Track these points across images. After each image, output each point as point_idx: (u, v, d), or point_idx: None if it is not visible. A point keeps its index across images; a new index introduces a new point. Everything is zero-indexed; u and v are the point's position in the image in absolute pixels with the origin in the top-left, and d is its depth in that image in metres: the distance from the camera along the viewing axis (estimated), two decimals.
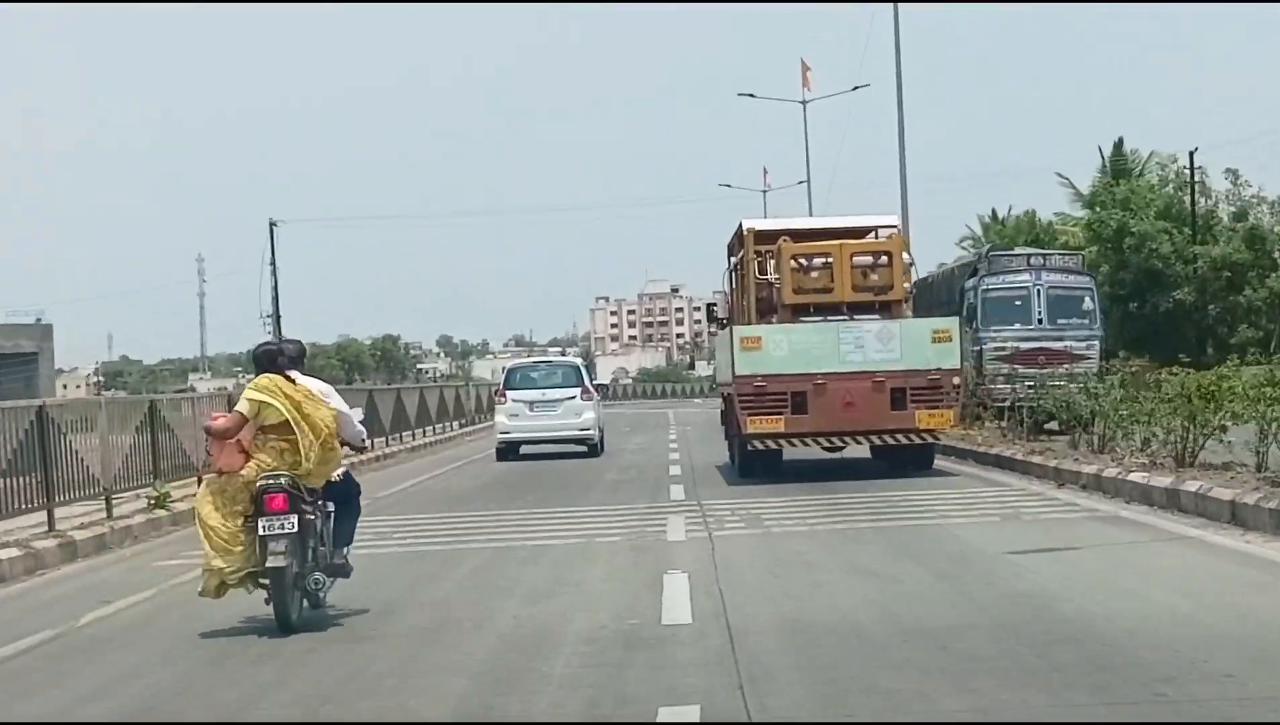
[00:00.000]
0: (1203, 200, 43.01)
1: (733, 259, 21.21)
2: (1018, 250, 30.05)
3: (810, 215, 43.48)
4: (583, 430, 25.93)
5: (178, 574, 11.04)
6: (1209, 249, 40.20)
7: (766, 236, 19.42)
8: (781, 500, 15.31)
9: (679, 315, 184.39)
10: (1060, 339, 24.48)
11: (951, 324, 19.12)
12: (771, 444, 18.16)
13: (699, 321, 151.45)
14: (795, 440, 18.14)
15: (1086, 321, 24.78)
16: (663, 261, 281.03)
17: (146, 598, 10.20)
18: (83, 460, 14.65)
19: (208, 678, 7.29)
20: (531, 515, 15.02)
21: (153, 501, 15.28)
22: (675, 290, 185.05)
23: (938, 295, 28.46)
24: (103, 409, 15.78)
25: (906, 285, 19.14)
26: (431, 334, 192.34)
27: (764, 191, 62.87)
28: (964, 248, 65.63)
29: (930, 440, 18.49)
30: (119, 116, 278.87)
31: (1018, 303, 24.72)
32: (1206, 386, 14.83)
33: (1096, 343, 24.70)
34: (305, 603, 8.59)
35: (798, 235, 19.35)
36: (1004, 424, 21.30)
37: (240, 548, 8.27)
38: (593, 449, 25.99)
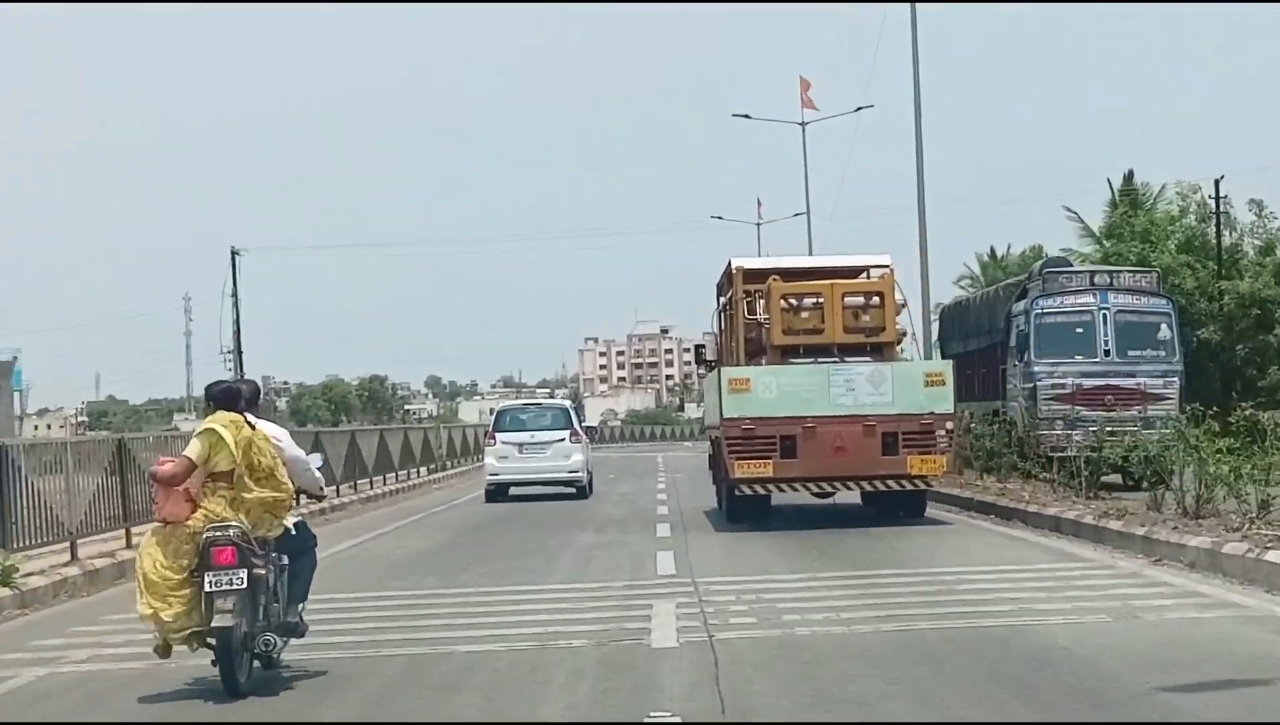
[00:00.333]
0: (1226, 233, 41.37)
1: (721, 299, 20.95)
2: (1079, 266, 25.88)
3: (810, 248, 42.50)
4: (571, 473, 26.35)
5: (132, 628, 9.68)
6: (1235, 284, 38.31)
7: (756, 275, 19.17)
8: (798, 577, 12.46)
9: (668, 356, 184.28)
10: (1132, 375, 21.04)
11: (945, 367, 18.90)
12: (760, 489, 17.81)
13: (689, 363, 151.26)
14: (784, 485, 17.79)
15: (1164, 353, 21.30)
16: (652, 302, 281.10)
17: (93, 654, 9.62)
18: (47, 503, 14.26)
19: None
20: (478, 598, 11.73)
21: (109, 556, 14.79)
22: (665, 331, 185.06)
23: (976, 322, 25.82)
24: (69, 448, 15.40)
25: (898, 327, 18.89)
26: (420, 375, 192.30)
27: (758, 224, 59.30)
28: (962, 287, 65.27)
29: (922, 486, 18.14)
30: (107, 131, 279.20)
31: (1079, 330, 21.44)
32: None
33: (1176, 380, 21.14)
34: (256, 663, 8.06)
35: (788, 274, 19.09)
36: (1055, 476, 18.23)
37: (181, 602, 7.65)
38: (581, 491, 26.39)
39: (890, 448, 17.45)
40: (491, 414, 30.66)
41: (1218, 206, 41.12)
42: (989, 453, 21.37)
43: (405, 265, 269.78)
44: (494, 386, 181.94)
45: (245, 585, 7.64)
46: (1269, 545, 11.37)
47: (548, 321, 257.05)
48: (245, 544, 7.71)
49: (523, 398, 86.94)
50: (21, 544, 13.55)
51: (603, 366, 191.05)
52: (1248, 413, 15.14)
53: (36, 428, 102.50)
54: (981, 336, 25.50)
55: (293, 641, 8.43)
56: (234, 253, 54.16)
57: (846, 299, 18.55)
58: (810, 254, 40.67)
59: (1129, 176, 46.55)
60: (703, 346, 22.63)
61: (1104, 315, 21.35)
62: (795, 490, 18.08)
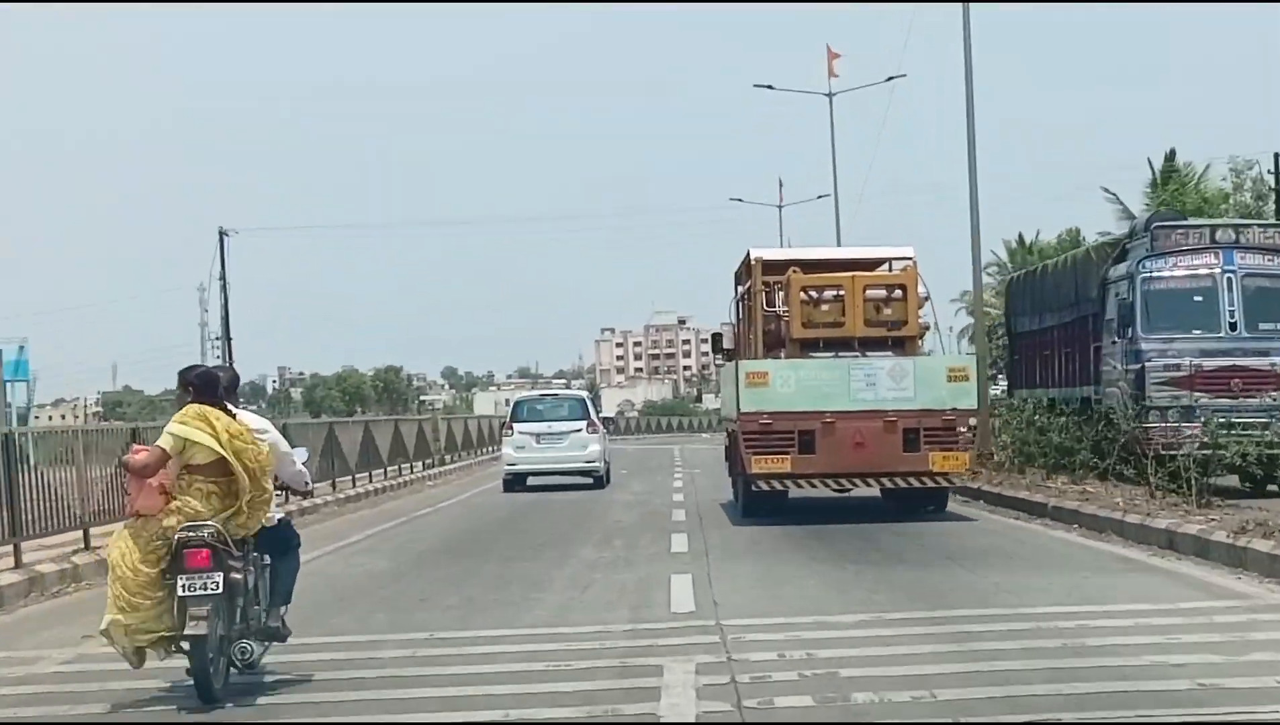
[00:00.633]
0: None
1: (740, 289, 20.71)
2: (1193, 220, 21.40)
3: (837, 231, 40.70)
4: (589, 462, 26.76)
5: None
6: None
7: (775, 266, 18.93)
8: (856, 619, 9.58)
9: (686, 347, 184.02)
10: (1265, 353, 17.75)
11: (969, 362, 18.62)
12: (777, 484, 17.59)
13: (706, 353, 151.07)
14: (802, 481, 17.58)
15: None
16: (669, 292, 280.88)
17: (76, 653, 9.16)
18: (56, 492, 14.15)
19: None
20: (432, 647, 8.98)
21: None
22: (682, 321, 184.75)
23: (1055, 292, 22.34)
24: (79, 437, 15.28)
25: (921, 320, 18.66)
26: (436, 365, 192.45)
27: (779, 207, 56.41)
28: (990, 275, 64.63)
29: (944, 484, 17.94)
30: (118, 117, 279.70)
31: (1198, 299, 18.08)
32: None
33: None
34: (234, 668, 7.63)
35: (808, 266, 18.85)
36: (1156, 478, 15.86)
37: (150, 603, 7.22)
38: (598, 481, 26.79)
39: (912, 444, 17.22)
40: (508, 405, 30.90)
41: (1278, 181, 37.98)
42: (1059, 448, 19.61)
43: (421, 255, 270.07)
44: (509, 377, 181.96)
45: (221, 590, 7.22)
46: None
47: (565, 312, 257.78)
48: (221, 545, 7.26)
49: (538, 388, 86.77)
50: (31, 533, 13.48)
51: (619, 357, 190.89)
52: None
53: (51, 418, 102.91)
54: (1063, 309, 21.98)
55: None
56: (222, 234, 50.97)
57: (868, 291, 18.30)
58: (838, 237, 39.31)
59: (1171, 155, 44.73)
60: (719, 335, 22.41)
61: (1229, 280, 17.91)
62: (814, 486, 17.87)
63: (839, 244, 37.80)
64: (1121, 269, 19.17)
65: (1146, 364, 17.96)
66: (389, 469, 29.04)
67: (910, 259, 18.98)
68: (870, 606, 10.17)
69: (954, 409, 17.33)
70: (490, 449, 42.04)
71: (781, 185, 58.34)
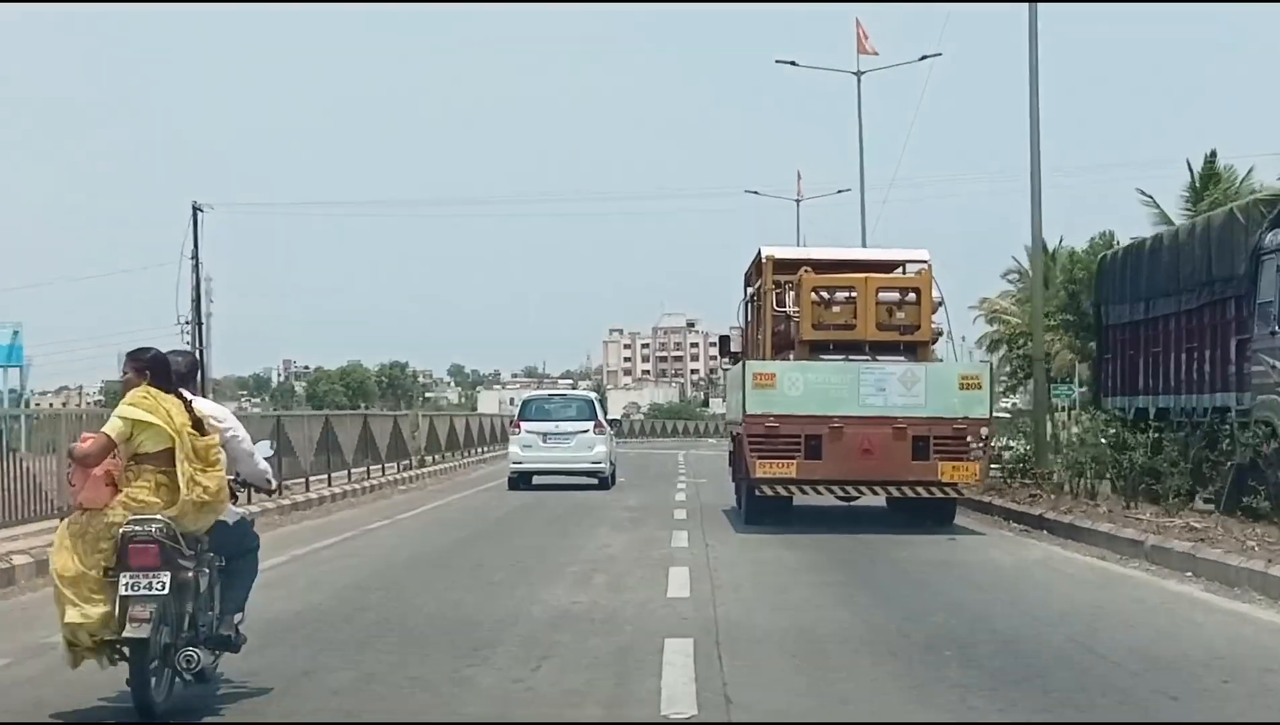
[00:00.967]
0: None
1: (749, 289, 20.41)
2: None
3: (862, 223, 38.64)
4: (594, 463, 26.87)
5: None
6: None
7: (786, 266, 18.62)
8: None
9: (694, 350, 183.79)
10: None
11: (982, 370, 18.27)
12: (781, 490, 17.26)
13: (714, 357, 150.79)
14: (807, 487, 17.24)
15: None
16: (679, 295, 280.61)
17: (4, 664, 8.26)
18: (36, 480, 13.88)
19: None
20: None
21: None
22: (691, 324, 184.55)
23: (1182, 269, 18.27)
24: (63, 421, 15.00)
25: (934, 326, 18.32)
26: (443, 362, 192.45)
27: (796, 201, 52.03)
28: (1009, 282, 63.76)
29: (953, 494, 17.65)
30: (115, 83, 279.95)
31: None
32: None
33: None
34: (181, 679, 6.92)
35: (820, 266, 18.51)
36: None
37: (102, 604, 6.59)
38: (603, 482, 26.82)
39: (921, 453, 16.88)
40: (513, 404, 32.66)
41: None
42: (1144, 469, 17.02)
43: (430, 250, 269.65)
44: (515, 376, 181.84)
45: (167, 591, 6.56)
46: None
47: (573, 312, 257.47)
48: (170, 542, 6.63)
49: (544, 388, 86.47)
50: (12, 519, 13.24)
51: (627, 359, 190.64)
52: None
53: (51, 405, 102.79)
54: (1186, 292, 18.07)
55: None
56: (195, 209, 46.96)
57: (881, 294, 17.97)
58: (863, 232, 37.20)
59: (1211, 157, 43.04)
60: (728, 337, 22.14)
61: None
62: (819, 493, 17.54)
63: (864, 240, 35.90)
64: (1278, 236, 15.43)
65: None
66: (355, 471, 25.64)
67: (925, 262, 18.67)
68: (931, 674, 7.90)
69: (965, 418, 16.98)
70: (481, 450, 40.76)
71: (800, 178, 53.52)
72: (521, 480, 26.67)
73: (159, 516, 6.67)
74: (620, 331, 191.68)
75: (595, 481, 26.70)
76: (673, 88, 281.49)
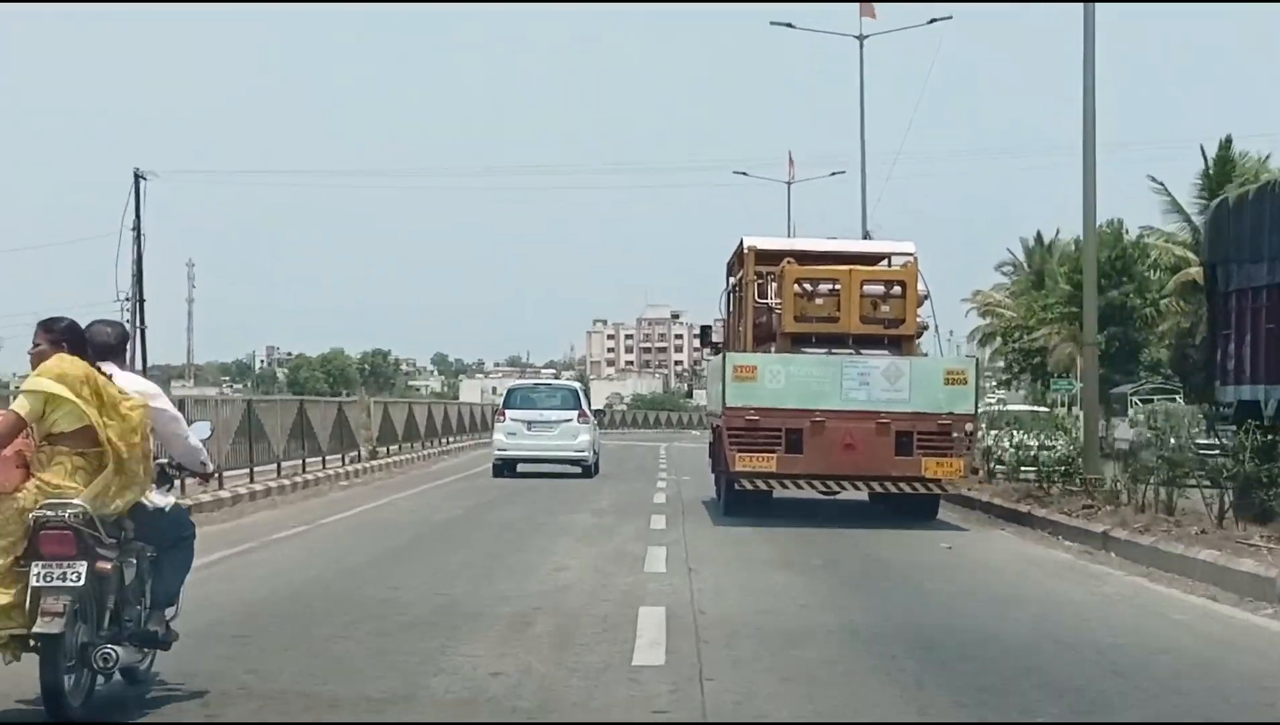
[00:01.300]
0: None
1: (731, 280, 20.20)
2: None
3: (863, 209, 36.94)
4: (578, 452, 27.16)
5: None
6: None
7: (769, 256, 18.42)
8: None
9: (678, 341, 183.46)
10: None
11: (968, 365, 18.08)
12: (761, 484, 17.05)
13: (699, 348, 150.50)
14: (788, 482, 17.05)
15: None
16: (664, 286, 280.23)
17: None
18: None
19: None
20: None
21: None
22: (675, 316, 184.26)
23: None
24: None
25: (920, 320, 18.14)
26: (427, 351, 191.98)
27: (788, 184, 49.67)
28: (1003, 274, 63.21)
29: (937, 491, 17.45)
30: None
31: None
32: None
33: None
34: (105, 678, 6.42)
35: (804, 257, 18.33)
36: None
37: (9, 595, 6.07)
38: (587, 471, 27.07)
39: (904, 448, 16.74)
40: (495, 393, 32.87)
41: None
42: (1252, 479, 13.84)
43: (414, 237, 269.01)
44: (498, 365, 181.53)
45: (83, 582, 6.07)
46: None
47: (557, 302, 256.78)
48: (88, 529, 6.12)
49: (528, 377, 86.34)
50: None
51: (610, 349, 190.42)
52: None
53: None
54: None
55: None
56: (138, 176, 43.34)
57: (865, 287, 17.78)
58: (863, 215, 36.21)
59: (1226, 143, 42.06)
60: (709, 328, 21.93)
61: None
62: (799, 487, 17.34)
63: (864, 219, 35.03)
64: None
65: None
66: (286, 464, 22.56)
67: (911, 255, 18.50)
68: None
69: (950, 413, 16.85)
70: (447, 441, 39.06)
71: (791, 160, 51.27)
72: (506, 467, 27.03)
73: (76, 501, 6.14)
74: (604, 322, 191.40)
75: (579, 470, 26.96)
76: (660, 63, 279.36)
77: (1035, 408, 30.60)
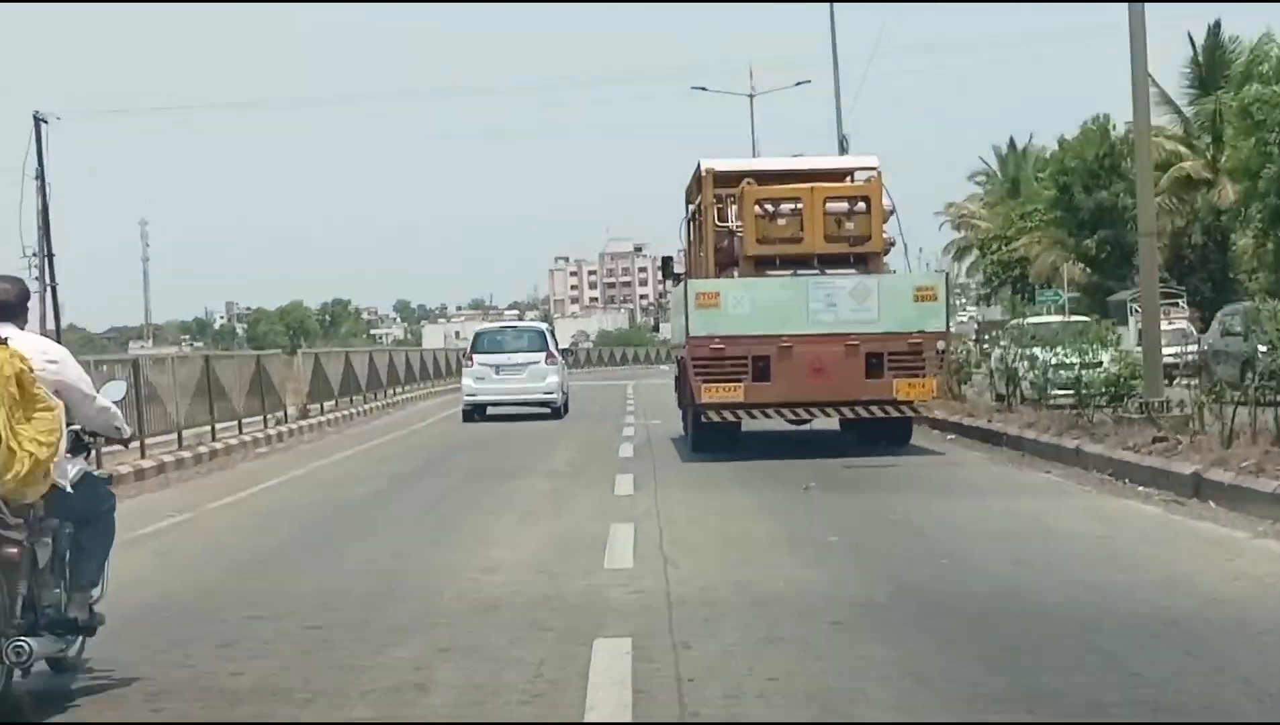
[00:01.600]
0: None
1: (690, 206, 19.62)
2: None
3: (838, 118, 34.28)
4: (547, 393, 27.36)
5: None
6: None
7: (728, 179, 17.85)
8: None
9: (642, 275, 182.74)
10: None
11: (938, 280, 17.63)
12: (729, 416, 16.60)
13: (663, 281, 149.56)
14: (756, 411, 16.61)
15: None
16: (626, 219, 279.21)
17: None
18: None
19: None
20: None
21: None
22: (639, 249, 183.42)
23: None
24: None
25: (886, 236, 17.64)
26: (389, 298, 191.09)
27: (750, 96, 48.10)
28: (976, 184, 62.11)
29: (909, 413, 17.10)
30: None
31: None
32: None
33: None
34: (23, 672, 5.88)
35: (763, 177, 17.81)
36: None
37: None
38: (556, 412, 27.23)
39: (875, 370, 16.33)
40: (458, 337, 32.51)
41: None
42: None
43: (371, 183, 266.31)
44: (460, 309, 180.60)
45: None
46: None
47: (519, 242, 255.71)
48: None
49: (491, 320, 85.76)
50: None
51: (574, 287, 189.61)
52: None
53: None
54: None
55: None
56: (37, 120, 39.81)
57: (829, 205, 17.25)
58: (839, 125, 33.69)
59: (1215, 28, 40.95)
60: (670, 259, 21.41)
61: None
62: (768, 417, 16.93)
63: (841, 137, 33.05)
64: None
65: None
66: (192, 431, 19.70)
67: (875, 169, 18.01)
68: None
69: (921, 332, 16.46)
70: (395, 391, 35.86)
71: (752, 73, 49.06)
72: (476, 412, 27.17)
73: None
74: (566, 259, 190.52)
75: (548, 411, 27.14)
76: None
77: (1070, 318, 27.00)
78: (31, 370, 5.74)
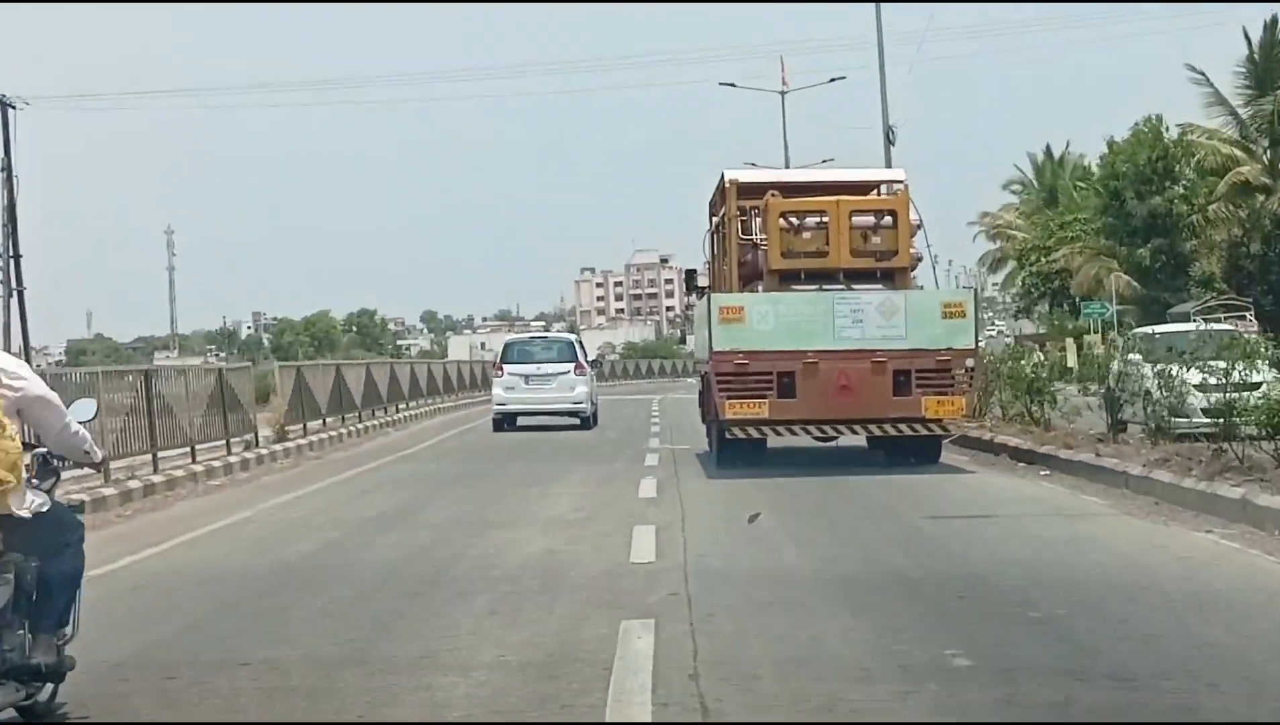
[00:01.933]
0: None
1: (714, 218, 19.49)
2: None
3: (884, 115, 32.88)
4: (576, 403, 27.70)
5: None
6: None
7: (752, 190, 17.74)
8: None
9: (668, 286, 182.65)
10: None
11: (966, 297, 17.41)
12: (754, 432, 16.43)
13: (688, 293, 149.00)
14: (781, 428, 16.42)
15: None
16: (651, 230, 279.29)
17: None
18: None
19: None
20: None
21: None
22: (664, 260, 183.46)
23: None
24: None
25: (913, 251, 17.47)
26: (415, 309, 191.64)
27: (782, 93, 46.60)
28: (1012, 192, 61.01)
29: (938, 432, 16.86)
30: None
31: None
32: None
33: None
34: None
35: (788, 189, 17.68)
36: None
37: None
38: (585, 422, 27.57)
39: (902, 387, 16.12)
40: (484, 348, 33.05)
41: None
42: None
43: (400, 194, 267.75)
44: (485, 320, 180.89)
45: None
46: None
47: (545, 253, 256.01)
48: None
49: (517, 331, 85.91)
50: None
51: (600, 298, 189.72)
52: None
53: None
54: None
55: None
56: (4, 105, 36.84)
57: (854, 218, 17.07)
58: (884, 107, 32.68)
59: (1271, 24, 38.75)
60: (693, 272, 21.24)
61: None
62: (794, 433, 16.72)
63: (887, 138, 32.31)
64: None
65: None
66: (122, 462, 16.73)
67: (902, 182, 17.95)
68: None
69: (949, 349, 16.26)
70: (396, 407, 33.00)
71: (784, 66, 47.19)
72: (506, 421, 27.87)
73: None
74: (592, 270, 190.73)
75: (577, 421, 27.51)
76: None
77: (1211, 326, 23.62)
78: None
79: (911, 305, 16.42)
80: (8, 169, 37.01)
